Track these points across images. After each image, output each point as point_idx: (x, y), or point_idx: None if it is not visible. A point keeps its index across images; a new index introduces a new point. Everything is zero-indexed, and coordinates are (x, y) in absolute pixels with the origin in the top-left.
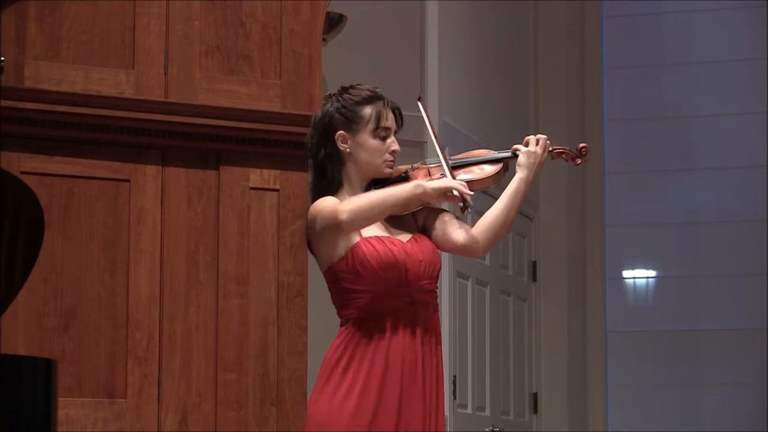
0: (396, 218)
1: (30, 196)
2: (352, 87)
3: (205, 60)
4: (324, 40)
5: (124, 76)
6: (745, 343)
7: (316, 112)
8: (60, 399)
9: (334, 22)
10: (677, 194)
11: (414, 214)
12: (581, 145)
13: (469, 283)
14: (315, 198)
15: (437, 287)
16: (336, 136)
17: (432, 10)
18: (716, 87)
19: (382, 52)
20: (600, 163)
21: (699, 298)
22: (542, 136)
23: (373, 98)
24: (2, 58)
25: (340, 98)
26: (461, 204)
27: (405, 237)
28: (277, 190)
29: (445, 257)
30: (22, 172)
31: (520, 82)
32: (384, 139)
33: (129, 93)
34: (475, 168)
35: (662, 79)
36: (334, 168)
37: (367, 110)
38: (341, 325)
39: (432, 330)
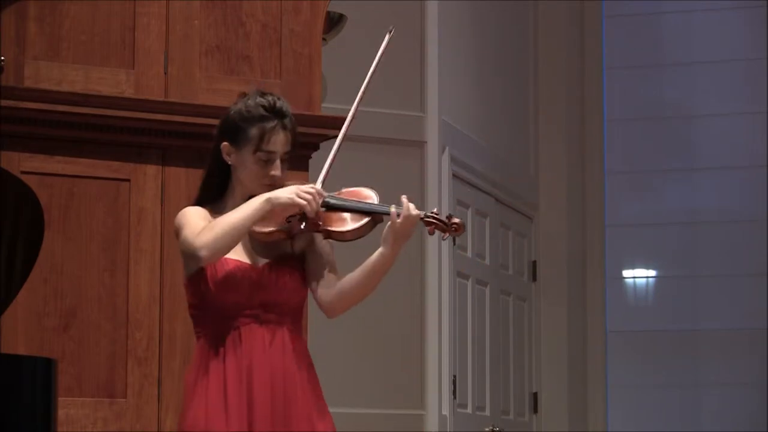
0: (267, 242)
1: (30, 196)
2: (257, 95)
3: (205, 60)
4: (324, 40)
5: (124, 76)
6: (745, 343)
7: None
8: (60, 399)
9: (334, 22)
10: (677, 194)
11: (291, 240)
12: (456, 221)
13: (469, 283)
14: (196, 201)
15: (293, 311)
16: (221, 147)
17: (432, 10)
18: (716, 87)
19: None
20: (600, 163)
21: (699, 298)
22: (409, 210)
23: (265, 118)
24: (2, 58)
25: (241, 104)
26: (297, 216)
27: (262, 261)
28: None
29: (445, 256)
30: (22, 172)
31: (520, 82)
32: (266, 163)
33: (129, 93)
34: (338, 218)
35: (662, 79)
36: (220, 175)
37: (254, 130)
38: (196, 341)
39: (287, 348)
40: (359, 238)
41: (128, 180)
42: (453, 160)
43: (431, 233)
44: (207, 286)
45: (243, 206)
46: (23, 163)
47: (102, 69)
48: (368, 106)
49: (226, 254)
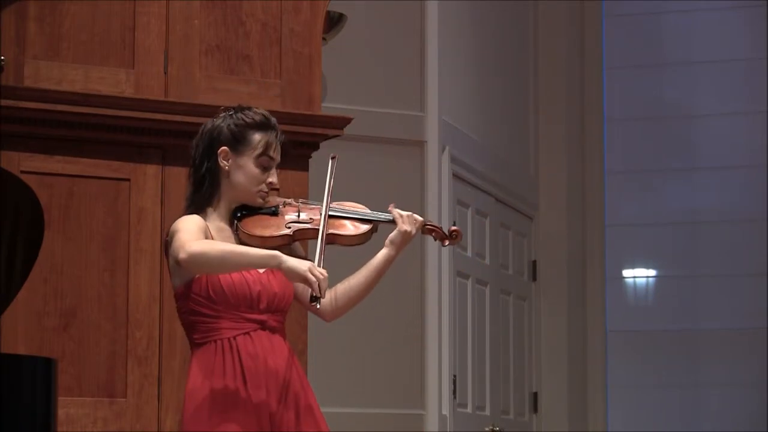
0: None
1: (30, 196)
2: (248, 108)
3: (205, 59)
4: (324, 39)
5: (124, 76)
6: (745, 343)
7: (207, 122)
8: (60, 399)
9: (334, 22)
10: (677, 194)
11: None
12: (453, 228)
13: (469, 283)
14: (187, 210)
15: (285, 316)
16: (219, 151)
17: (432, 10)
18: (716, 87)
19: (382, 52)
20: (600, 163)
21: (699, 298)
22: (412, 214)
23: (266, 126)
24: (2, 58)
25: (234, 116)
26: (313, 295)
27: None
28: (277, 189)
29: (445, 256)
30: (22, 172)
31: (520, 82)
32: (265, 169)
33: (129, 92)
34: (349, 223)
35: (662, 79)
36: (210, 183)
37: (257, 136)
38: (192, 350)
39: (283, 349)
40: (360, 244)
41: (128, 180)
42: (453, 159)
43: (435, 239)
44: (218, 289)
45: (252, 249)
46: (23, 163)
47: (102, 69)
48: (368, 106)
49: (203, 273)
